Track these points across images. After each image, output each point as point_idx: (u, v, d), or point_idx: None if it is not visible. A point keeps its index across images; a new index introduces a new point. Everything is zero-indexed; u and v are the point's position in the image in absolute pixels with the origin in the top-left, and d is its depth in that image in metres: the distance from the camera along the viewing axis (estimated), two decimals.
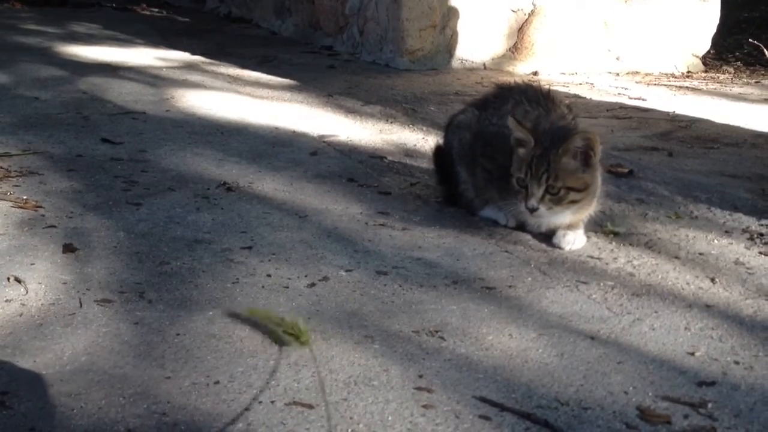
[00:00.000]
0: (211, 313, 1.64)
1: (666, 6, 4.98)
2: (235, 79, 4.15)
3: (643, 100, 4.13)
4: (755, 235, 2.20)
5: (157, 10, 7.28)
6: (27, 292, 1.66)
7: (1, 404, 1.28)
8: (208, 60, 4.65)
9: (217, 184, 2.45)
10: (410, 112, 3.49)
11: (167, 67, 4.33)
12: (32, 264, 1.80)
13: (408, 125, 3.31)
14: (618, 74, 4.91)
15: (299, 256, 1.96)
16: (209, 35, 5.75)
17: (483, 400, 1.37)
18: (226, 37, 5.75)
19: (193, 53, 4.83)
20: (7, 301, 1.62)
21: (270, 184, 2.49)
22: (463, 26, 4.70)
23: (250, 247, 1.98)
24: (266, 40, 5.76)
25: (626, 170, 2.80)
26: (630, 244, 2.16)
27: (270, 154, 2.83)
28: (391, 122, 3.36)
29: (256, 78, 4.22)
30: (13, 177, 2.36)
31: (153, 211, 2.18)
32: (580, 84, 4.53)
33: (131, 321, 1.58)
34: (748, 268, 1.99)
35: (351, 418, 1.31)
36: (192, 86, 3.88)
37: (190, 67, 4.42)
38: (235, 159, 2.73)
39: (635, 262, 2.03)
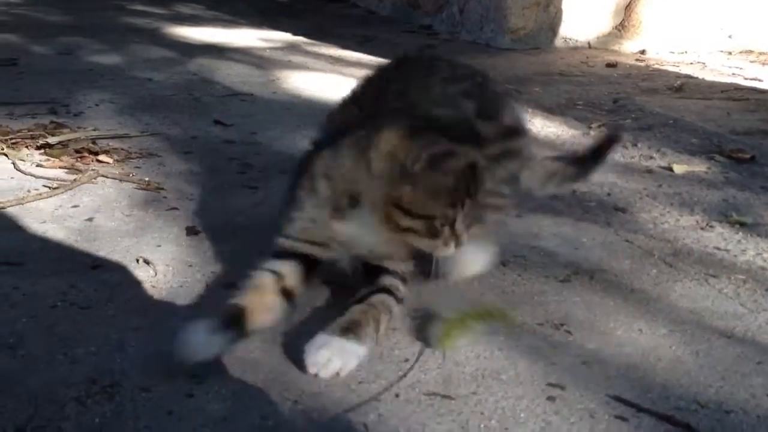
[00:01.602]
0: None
1: None
2: (337, 60, 4.16)
3: (759, 80, 3.94)
4: None
5: None
6: (156, 275, 1.70)
7: (144, 389, 1.31)
8: (309, 40, 4.68)
9: None
10: (514, 93, 3.42)
11: (270, 48, 4.38)
12: (158, 246, 1.84)
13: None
14: (730, 53, 4.70)
15: None
16: (308, 15, 5.78)
17: (617, 399, 1.33)
18: (325, 17, 5.77)
19: (295, 34, 4.86)
20: (138, 283, 1.66)
21: None
22: (567, 4, 4.58)
23: None
24: (364, 19, 5.75)
25: (748, 156, 2.68)
26: (758, 235, 2.06)
27: None
28: None
29: (358, 59, 4.22)
30: (134, 158, 2.43)
31: (269, 195, 2.19)
32: (691, 63, 4.36)
33: None
34: None
35: (482, 413, 1.29)
36: (296, 67, 3.91)
37: (292, 47, 4.45)
38: None
39: (765, 255, 1.94)
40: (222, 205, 2.11)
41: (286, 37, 4.79)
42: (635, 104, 3.37)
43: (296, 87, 3.50)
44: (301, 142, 2.71)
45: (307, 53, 4.32)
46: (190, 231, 1.92)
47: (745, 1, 4.72)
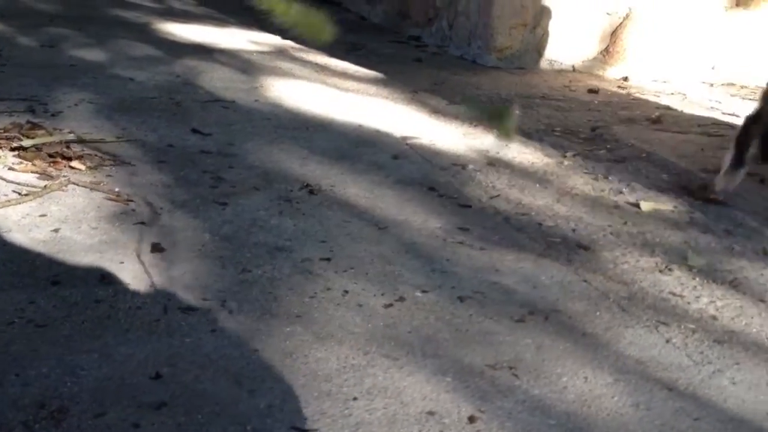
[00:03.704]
0: (288, 329, 1.67)
1: (766, 16, 4.79)
2: (323, 69, 4.17)
3: (736, 116, 3.98)
4: None
5: None
6: (115, 294, 1.72)
7: (92, 416, 1.33)
8: (297, 45, 4.68)
9: (300, 185, 2.48)
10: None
11: (258, 52, 4.39)
12: (121, 263, 1.86)
13: (491, 130, 3.27)
14: (712, 84, 4.76)
15: (377, 272, 1.97)
16: None
17: None
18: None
19: (284, 37, 4.86)
20: (96, 301, 1.68)
21: (351, 189, 2.50)
22: (554, 27, 4.62)
23: (328, 259, 2.01)
24: (355, 25, 5.76)
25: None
26: (714, 282, 2.10)
27: (353, 155, 2.84)
28: (475, 125, 3.33)
29: (343, 68, 4.23)
30: (107, 166, 2.44)
31: (238, 213, 2.22)
32: (672, 94, 4.40)
33: (212, 332, 1.62)
34: None
35: None
36: (281, 74, 3.92)
37: (280, 52, 4.46)
38: (318, 158, 2.76)
39: (718, 303, 1.98)
40: (189, 222, 2.13)
41: (275, 40, 4.79)
42: (612, 134, 3.41)
43: (279, 96, 3.52)
44: (277, 155, 2.74)
45: (294, 59, 4.33)
46: (155, 248, 1.94)
47: (729, 34, 4.78)
